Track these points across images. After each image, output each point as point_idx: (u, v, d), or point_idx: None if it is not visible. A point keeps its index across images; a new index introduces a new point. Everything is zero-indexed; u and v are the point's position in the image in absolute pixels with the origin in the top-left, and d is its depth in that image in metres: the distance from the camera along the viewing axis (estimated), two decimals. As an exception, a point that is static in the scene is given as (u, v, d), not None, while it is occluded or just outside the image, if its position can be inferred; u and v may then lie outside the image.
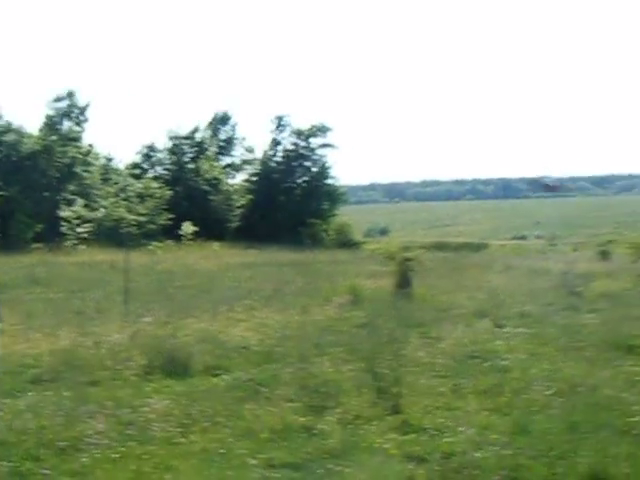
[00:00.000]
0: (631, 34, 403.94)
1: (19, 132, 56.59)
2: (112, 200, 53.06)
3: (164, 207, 54.78)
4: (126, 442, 8.36)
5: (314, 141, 66.58)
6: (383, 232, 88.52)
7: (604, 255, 39.33)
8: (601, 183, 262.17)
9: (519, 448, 8.23)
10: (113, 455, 7.94)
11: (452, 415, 9.53)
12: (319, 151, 66.68)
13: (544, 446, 8.31)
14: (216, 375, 11.80)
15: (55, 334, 15.04)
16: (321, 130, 66.25)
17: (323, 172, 66.43)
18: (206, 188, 63.14)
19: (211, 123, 74.02)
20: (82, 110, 60.10)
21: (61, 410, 9.51)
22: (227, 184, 66.84)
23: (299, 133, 66.38)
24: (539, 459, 7.98)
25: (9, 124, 57.26)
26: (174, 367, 11.89)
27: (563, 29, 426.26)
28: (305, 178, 66.38)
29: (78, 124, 60.13)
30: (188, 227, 49.34)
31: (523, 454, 8.07)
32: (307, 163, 66.53)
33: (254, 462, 7.77)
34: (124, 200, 53.27)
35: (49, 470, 7.60)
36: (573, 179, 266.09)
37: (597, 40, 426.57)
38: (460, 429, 8.88)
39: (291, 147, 66.62)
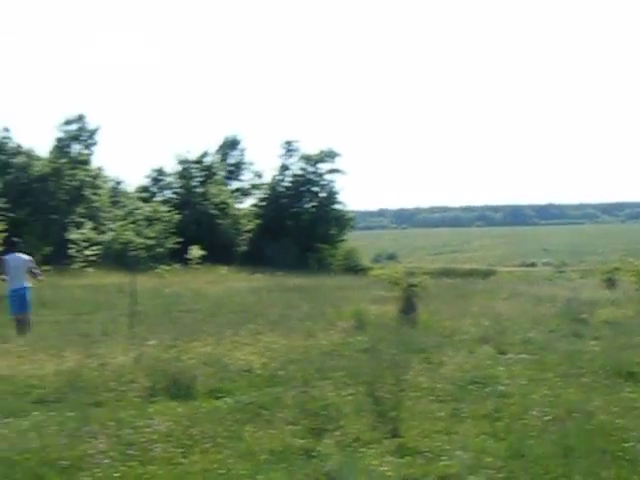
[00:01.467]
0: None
1: (29, 155, 57.00)
2: (120, 223, 53.62)
3: (172, 231, 55.11)
4: (127, 462, 8.47)
5: (322, 166, 66.91)
6: (391, 258, 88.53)
7: (610, 283, 39.24)
8: (610, 210, 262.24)
9: (513, 472, 8.33)
10: (114, 474, 8.03)
11: (449, 439, 9.61)
12: (327, 176, 67.03)
13: (538, 470, 8.39)
14: (219, 398, 11.88)
15: (60, 355, 15.21)
16: (329, 155, 66.55)
17: (331, 197, 66.68)
18: (214, 212, 63.33)
19: (220, 147, 74.45)
20: (92, 133, 60.58)
21: (64, 430, 9.63)
22: (235, 208, 67.08)
23: (308, 158, 66.69)
24: (532, 482, 8.09)
25: (19, 147, 57.71)
26: (178, 389, 11.99)
27: (573, 49, 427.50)
28: (313, 203, 66.63)
29: (87, 147, 60.57)
30: (196, 251, 49.74)
31: (516, 478, 8.18)
32: (315, 188, 66.80)
33: (253, 483, 7.86)
34: (132, 223, 53.98)
35: (51, 489, 7.71)
36: (582, 206, 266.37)
37: (610, 63, 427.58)
38: (456, 453, 8.96)
39: (299, 172, 66.88)
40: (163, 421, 10.10)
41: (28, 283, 19.45)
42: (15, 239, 21.15)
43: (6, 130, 58.31)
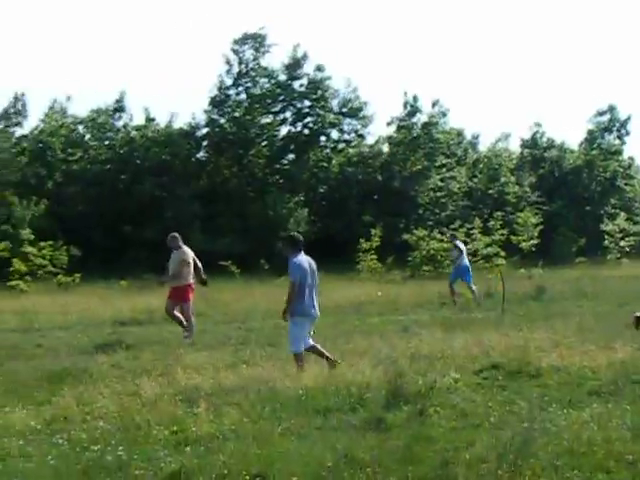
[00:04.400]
0: None
1: (561, 148, 57.82)
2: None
3: None
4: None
5: None
6: None
7: None
8: None
9: None
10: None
11: None
12: None
13: None
14: None
15: (610, 347, 14.99)
16: None
17: None
18: None
19: None
20: (623, 123, 59.76)
21: (625, 423, 9.45)
22: None
23: None
24: None
25: (551, 141, 58.77)
26: None
27: None
28: None
29: (619, 137, 59.93)
30: None
31: None
32: None
33: None
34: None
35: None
36: None
37: None
38: None
39: None
40: None
41: (467, 262, 26.16)
42: (452, 232, 30.67)
43: (538, 125, 59.61)
